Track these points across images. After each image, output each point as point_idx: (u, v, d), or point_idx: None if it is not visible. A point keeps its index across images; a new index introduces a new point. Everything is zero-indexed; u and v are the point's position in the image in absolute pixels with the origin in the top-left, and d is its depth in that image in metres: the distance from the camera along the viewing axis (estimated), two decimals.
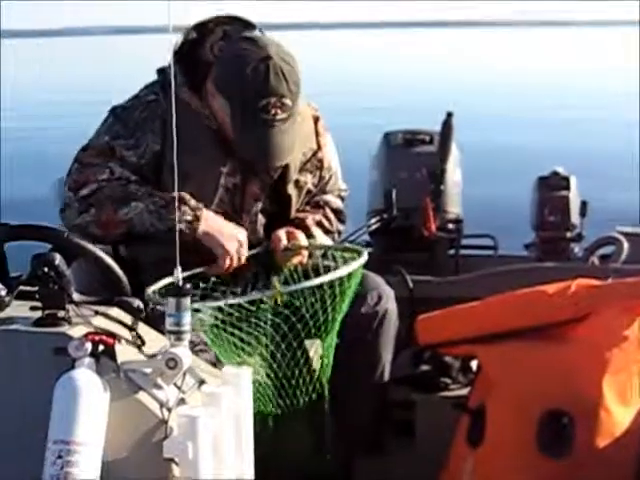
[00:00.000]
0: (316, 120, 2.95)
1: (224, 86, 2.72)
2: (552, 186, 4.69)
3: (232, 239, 2.73)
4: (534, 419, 2.64)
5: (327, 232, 3.00)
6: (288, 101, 2.68)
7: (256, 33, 2.80)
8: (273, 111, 2.66)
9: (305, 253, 2.85)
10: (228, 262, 2.72)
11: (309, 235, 2.91)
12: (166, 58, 2.73)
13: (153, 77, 2.89)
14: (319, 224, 2.98)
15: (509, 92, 26.76)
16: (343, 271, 2.48)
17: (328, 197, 3.07)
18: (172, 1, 1.97)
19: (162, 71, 2.85)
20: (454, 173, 4.78)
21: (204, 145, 2.78)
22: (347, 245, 2.88)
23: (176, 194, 2.41)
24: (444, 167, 4.68)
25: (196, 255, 2.61)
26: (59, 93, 31.42)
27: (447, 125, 4.67)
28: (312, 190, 2.99)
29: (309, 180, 2.96)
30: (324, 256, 2.86)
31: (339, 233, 3.08)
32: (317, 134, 2.92)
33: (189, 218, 2.68)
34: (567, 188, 4.68)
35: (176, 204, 2.49)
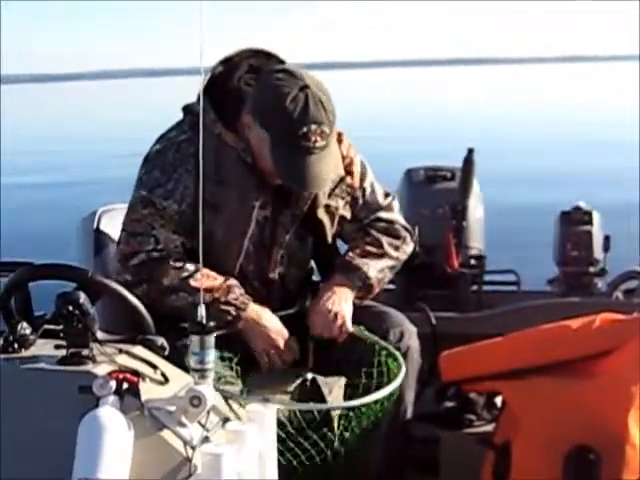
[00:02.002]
0: (339, 140, 2.93)
1: (263, 116, 2.74)
2: (574, 221, 4.69)
3: (271, 340, 2.78)
4: (560, 455, 2.61)
5: (379, 256, 2.98)
6: (326, 129, 2.71)
7: (287, 65, 2.83)
8: (313, 138, 2.69)
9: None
10: (266, 362, 2.78)
11: (357, 271, 2.92)
12: (193, 97, 2.76)
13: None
14: (364, 254, 2.96)
15: (531, 127, 26.72)
16: (378, 394, 2.57)
17: (373, 215, 3.05)
18: (202, 41, 1.98)
19: (188, 109, 2.88)
20: (476, 209, 4.79)
21: (239, 179, 2.80)
22: (383, 344, 2.84)
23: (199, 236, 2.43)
24: (465, 203, 4.69)
25: None
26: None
27: (468, 161, 4.69)
28: (347, 216, 2.98)
29: (340, 205, 2.96)
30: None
31: (396, 248, 3.02)
32: (343, 157, 2.92)
33: (230, 315, 2.74)
34: (590, 223, 4.67)
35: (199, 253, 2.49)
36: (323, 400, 2.76)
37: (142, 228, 2.78)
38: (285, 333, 2.80)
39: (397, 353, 2.79)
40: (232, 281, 2.77)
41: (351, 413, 2.62)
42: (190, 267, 2.75)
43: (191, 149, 2.76)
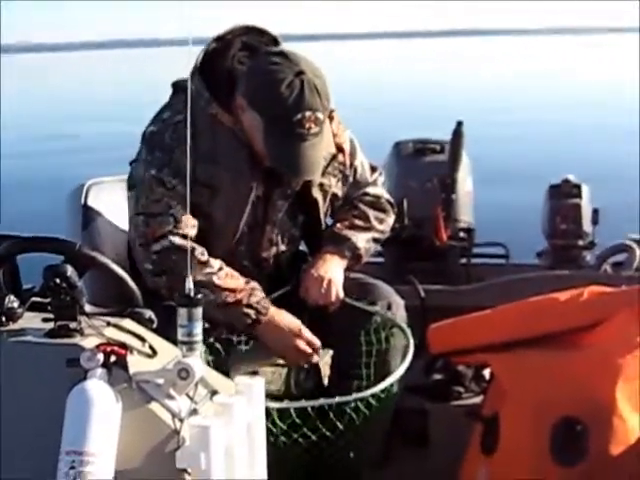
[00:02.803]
0: (330, 117, 2.92)
1: (258, 101, 2.72)
2: (564, 194, 4.70)
3: (291, 342, 2.77)
4: (548, 427, 2.63)
5: (366, 229, 3.01)
6: (321, 115, 2.70)
7: (283, 47, 2.82)
8: (307, 125, 2.68)
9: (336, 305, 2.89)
10: (294, 359, 2.80)
11: (346, 242, 2.95)
12: (184, 71, 2.74)
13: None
14: (352, 227, 2.99)
15: (521, 100, 26.72)
16: (389, 380, 2.59)
17: (361, 191, 3.07)
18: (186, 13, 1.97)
19: (179, 86, 2.85)
20: (465, 182, 4.79)
21: (236, 160, 2.80)
22: (377, 310, 2.90)
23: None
24: (455, 176, 4.69)
25: None
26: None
27: (457, 134, 4.69)
28: (338, 194, 3.00)
29: (333, 183, 2.96)
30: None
31: (381, 221, 3.05)
32: (334, 135, 2.92)
33: (250, 319, 2.74)
34: (579, 196, 4.68)
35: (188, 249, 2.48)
36: (319, 374, 2.87)
37: (160, 208, 2.73)
38: (306, 334, 2.79)
39: (405, 327, 2.84)
40: (254, 283, 2.77)
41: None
42: (214, 263, 2.75)
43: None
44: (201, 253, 2.74)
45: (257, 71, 2.74)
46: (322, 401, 2.49)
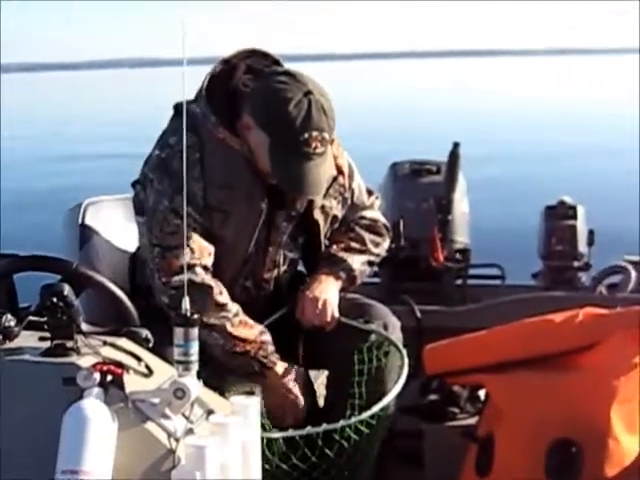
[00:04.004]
0: (331, 140, 2.93)
1: (265, 119, 2.73)
2: (559, 215, 4.70)
3: (288, 402, 2.77)
4: (543, 448, 2.63)
5: (361, 252, 3.01)
6: (327, 135, 2.71)
7: (289, 67, 2.82)
8: (314, 144, 2.69)
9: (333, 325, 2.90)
10: (280, 417, 2.72)
11: (342, 263, 2.96)
12: (188, 94, 2.72)
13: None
14: (348, 249, 3.00)
15: (516, 121, 26.79)
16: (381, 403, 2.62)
17: (358, 214, 3.08)
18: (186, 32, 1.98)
19: (180, 108, 2.82)
20: (461, 203, 4.79)
21: (246, 183, 2.80)
22: (373, 329, 2.89)
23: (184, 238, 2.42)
24: (451, 197, 4.70)
25: None
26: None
27: (454, 155, 4.69)
28: (338, 216, 3.00)
29: (334, 205, 2.97)
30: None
31: (376, 244, 3.06)
32: (335, 157, 2.92)
33: (254, 370, 2.73)
34: (574, 217, 4.68)
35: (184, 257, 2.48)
36: (314, 395, 2.89)
37: (176, 241, 2.68)
38: (301, 399, 2.79)
39: (400, 346, 2.84)
40: (266, 337, 2.76)
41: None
42: (231, 307, 2.74)
43: (196, 155, 2.74)
44: (219, 293, 2.73)
45: (265, 90, 2.74)
46: (323, 427, 2.52)
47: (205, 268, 2.74)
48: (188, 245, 2.70)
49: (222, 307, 2.72)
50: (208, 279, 2.72)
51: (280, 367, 2.78)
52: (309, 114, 2.66)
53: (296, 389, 2.79)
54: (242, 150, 2.79)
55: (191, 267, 2.69)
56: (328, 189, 2.90)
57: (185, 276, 2.16)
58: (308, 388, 2.89)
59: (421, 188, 4.83)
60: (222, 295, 2.74)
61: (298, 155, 2.70)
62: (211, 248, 2.76)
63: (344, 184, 2.99)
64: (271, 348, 2.77)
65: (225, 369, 2.71)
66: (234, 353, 2.72)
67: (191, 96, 2.81)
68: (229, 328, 2.71)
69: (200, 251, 2.73)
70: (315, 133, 2.68)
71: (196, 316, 1.94)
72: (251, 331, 2.74)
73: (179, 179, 2.69)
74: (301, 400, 2.79)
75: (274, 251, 2.92)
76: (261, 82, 2.77)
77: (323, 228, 2.98)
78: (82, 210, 3.29)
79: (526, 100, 36.48)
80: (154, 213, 2.77)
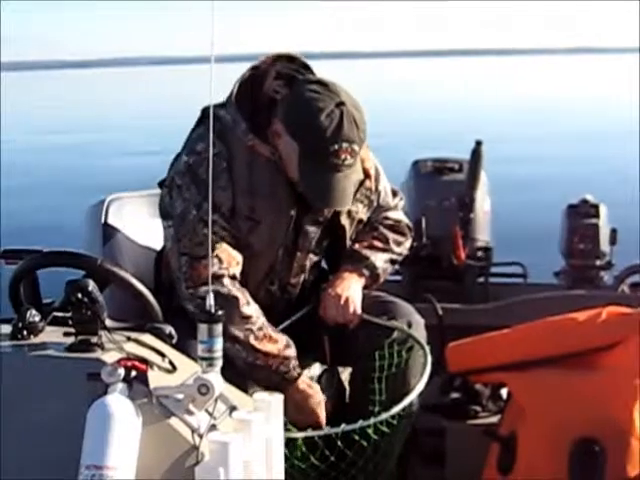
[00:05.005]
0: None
1: (296, 128, 2.71)
2: (582, 214, 4.69)
3: (306, 417, 2.74)
4: (565, 447, 2.62)
5: (384, 250, 3.03)
6: (357, 147, 2.70)
7: (323, 77, 2.81)
8: (343, 156, 2.67)
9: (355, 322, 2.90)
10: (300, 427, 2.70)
11: (365, 261, 2.96)
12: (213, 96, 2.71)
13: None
14: (371, 247, 3.01)
15: (539, 119, 26.69)
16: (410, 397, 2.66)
17: (382, 215, 3.09)
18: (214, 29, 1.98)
19: (207, 113, 2.79)
20: (483, 201, 4.79)
21: (276, 191, 2.80)
22: (396, 325, 2.89)
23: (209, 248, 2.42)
24: (473, 195, 4.69)
25: None
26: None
27: (476, 153, 4.69)
28: (363, 219, 3.01)
29: (360, 209, 2.98)
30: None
31: (399, 244, 3.08)
32: (362, 160, 2.89)
33: (274, 384, 2.70)
34: (597, 216, 4.67)
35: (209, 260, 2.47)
36: (343, 391, 2.90)
37: (204, 251, 2.65)
38: (322, 416, 2.78)
39: (423, 343, 2.84)
40: (289, 351, 2.75)
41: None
42: (256, 320, 2.73)
43: (223, 164, 2.74)
44: (245, 304, 2.72)
45: (297, 98, 2.73)
46: (341, 428, 2.53)
47: (233, 278, 2.73)
48: (216, 255, 2.70)
49: (247, 319, 2.71)
50: (235, 290, 2.71)
51: (301, 382, 2.77)
52: (340, 125, 2.65)
53: (317, 403, 2.78)
54: (272, 157, 2.78)
55: (219, 277, 2.69)
56: (355, 193, 2.89)
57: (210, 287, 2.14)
58: (337, 388, 2.89)
59: (443, 186, 4.83)
60: (248, 306, 2.73)
61: (327, 166, 2.69)
62: (239, 257, 2.76)
63: (371, 187, 2.99)
64: (294, 363, 2.75)
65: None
66: (255, 366, 2.72)
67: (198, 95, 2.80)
68: (252, 341, 2.70)
69: (228, 261, 2.73)
70: (345, 145, 2.67)
71: (220, 312, 1.94)
72: (275, 345, 2.73)
73: (206, 187, 2.68)
74: (322, 414, 2.78)
75: (302, 256, 2.93)
76: (294, 90, 2.76)
77: (349, 232, 2.98)
78: (105, 207, 3.30)
79: (548, 99, 36.32)
80: (182, 222, 2.75)
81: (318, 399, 2.78)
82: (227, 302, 2.66)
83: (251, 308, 2.73)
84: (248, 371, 2.72)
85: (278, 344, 2.74)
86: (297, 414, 2.70)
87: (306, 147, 2.70)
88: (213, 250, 2.70)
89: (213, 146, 2.73)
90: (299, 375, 2.76)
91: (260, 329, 2.72)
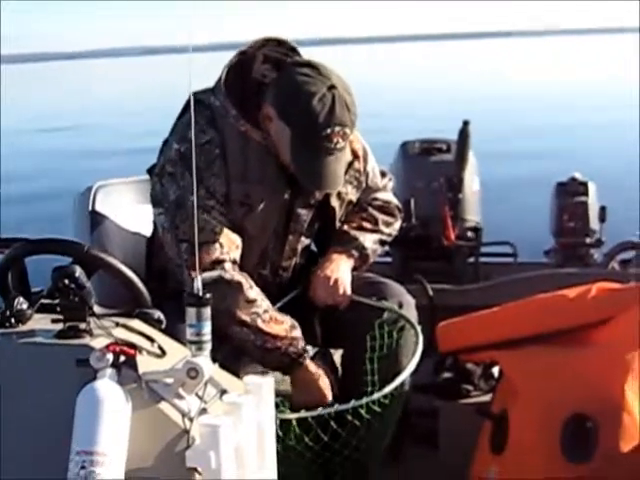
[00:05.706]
0: None
1: (288, 112, 2.70)
2: (571, 192, 4.70)
3: (314, 399, 2.73)
4: (557, 424, 2.62)
5: (373, 231, 3.03)
6: (348, 130, 2.70)
7: (314, 60, 2.79)
8: (335, 140, 2.67)
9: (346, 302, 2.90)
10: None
11: (354, 241, 2.97)
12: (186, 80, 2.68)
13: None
14: (360, 228, 3.01)
15: (525, 100, 26.69)
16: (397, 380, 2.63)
17: (371, 196, 3.09)
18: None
19: (200, 101, 2.76)
20: (472, 181, 4.79)
21: (269, 175, 2.79)
22: (387, 306, 2.89)
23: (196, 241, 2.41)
24: (462, 175, 4.70)
25: None
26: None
27: (464, 133, 4.69)
28: (353, 200, 3.01)
29: (349, 191, 2.97)
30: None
31: (388, 225, 3.08)
32: (350, 141, 2.88)
33: (284, 365, 2.73)
34: (586, 194, 4.68)
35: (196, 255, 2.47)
36: (336, 372, 2.88)
37: (204, 237, 2.66)
38: (330, 396, 2.78)
39: (415, 323, 2.85)
40: (296, 332, 2.75)
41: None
42: (261, 303, 2.72)
43: (216, 151, 2.73)
44: (249, 288, 2.72)
45: (288, 82, 2.72)
46: (334, 408, 2.53)
47: (234, 262, 2.73)
48: (217, 240, 2.70)
49: (252, 303, 2.71)
50: (238, 275, 2.71)
51: (310, 363, 2.77)
52: (332, 109, 2.64)
53: (325, 383, 2.78)
54: (264, 142, 2.78)
55: (221, 262, 2.69)
56: (344, 175, 2.88)
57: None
58: (330, 369, 2.89)
59: (431, 167, 4.84)
60: (252, 290, 2.73)
61: (319, 150, 2.68)
62: (238, 241, 2.76)
63: (359, 168, 2.98)
64: (302, 344, 2.75)
65: (242, 353, 2.71)
66: (265, 349, 2.71)
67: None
68: (260, 324, 2.70)
69: (229, 245, 2.72)
70: (337, 128, 2.66)
71: (209, 295, 1.93)
72: (282, 327, 2.73)
73: (200, 174, 2.67)
74: (329, 395, 2.78)
75: (294, 240, 2.93)
76: (284, 73, 2.75)
77: (338, 213, 2.99)
78: (92, 194, 3.28)
79: (536, 77, 36.31)
80: (180, 209, 2.72)
81: (326, 380, 2.79)
82: (232, 287, 2.67)
83: (255, 291, 2.73)
84: (259, 355, 2.73)
85: (284, 325, 2.74)
86: (306, 395, 2.73)
87: (299, 131, 2.69)
88: (214, 235, 2.70)
89: (202, 133, 2.73)
90: (308, 356, 2.77)
91: (266, 311, 2.72)
